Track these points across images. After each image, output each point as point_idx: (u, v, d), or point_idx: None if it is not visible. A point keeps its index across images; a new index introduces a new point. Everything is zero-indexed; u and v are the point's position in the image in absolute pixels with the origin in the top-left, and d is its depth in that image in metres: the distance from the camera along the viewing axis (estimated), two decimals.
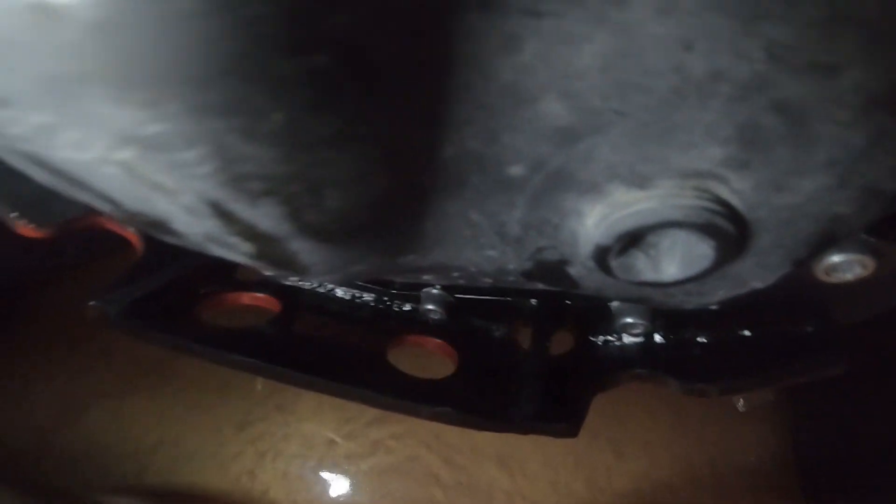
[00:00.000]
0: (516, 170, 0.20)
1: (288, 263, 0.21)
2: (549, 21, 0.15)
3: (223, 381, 0.80)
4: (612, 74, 0.17)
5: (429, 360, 0.38)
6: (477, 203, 0.21)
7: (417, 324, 0.37)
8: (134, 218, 0.21)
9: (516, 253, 0.24)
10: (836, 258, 0.25)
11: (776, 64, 0.16)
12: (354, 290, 0.39)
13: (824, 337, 0.31)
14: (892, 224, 0.23)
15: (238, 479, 0.77)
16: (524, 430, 0.30)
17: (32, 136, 0.17)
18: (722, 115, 0.17)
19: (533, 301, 0.34)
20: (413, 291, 0.37)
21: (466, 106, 0.17)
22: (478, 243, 0.24)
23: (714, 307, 0.28)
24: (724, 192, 0.19)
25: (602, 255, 0.21)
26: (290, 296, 0.37)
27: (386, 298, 0.38)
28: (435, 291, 0.37)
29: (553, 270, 0.24)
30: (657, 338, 0.33)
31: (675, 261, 0.21)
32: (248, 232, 0.20)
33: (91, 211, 0.36)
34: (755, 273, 0.22)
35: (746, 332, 0.33)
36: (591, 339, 0.34)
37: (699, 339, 0.33)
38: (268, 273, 0.36)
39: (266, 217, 0.19)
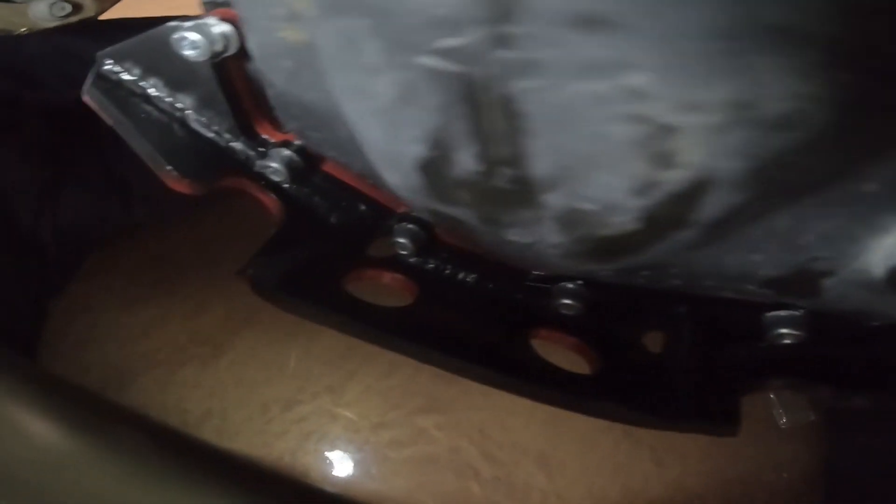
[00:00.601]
0: (870, 187, 0.20)
1: (627, 254, 0.21)
2: None
3: (275, 357, 0.79)
4: None
5: (550, 354, 0.38)
6: (800, 213, 0.21)
7: (551, 317, 0.37)
8: (498, 183, 0.20)
9: (783, 261, 0.24)
10: None
11: None
12: (483, 277, 0.38)
13: None
14: None
15: (280, 458, 0.77)
16: (690, 428, 0.30)
17: (561, 70, 0.16)
18: None
19: (682, 306, 0.34)
20: (547, 284, 0.37)
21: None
22: (754, 247, 0.23)
23: None
24: None
25: None
26: (423, 277, 0.37)
27: (516, 288, 0.38)
28: (571, 286, 0.36)
29: (807, 281, 0.24)
30: (804, 346, 0.33)
31: None
32: (669, 218, 0.20)
33: (234, 171, 0.35)
34: None
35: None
36: (736, 343, 0.34)
37: (848, 350, 0.33)
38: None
39: (730, 203, 0.18)
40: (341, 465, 0.76)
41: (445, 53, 0.19)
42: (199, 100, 0.32)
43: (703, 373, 0.32)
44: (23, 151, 0.56)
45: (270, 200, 0.36)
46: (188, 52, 0.27)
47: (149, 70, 0.31)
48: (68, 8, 0.42)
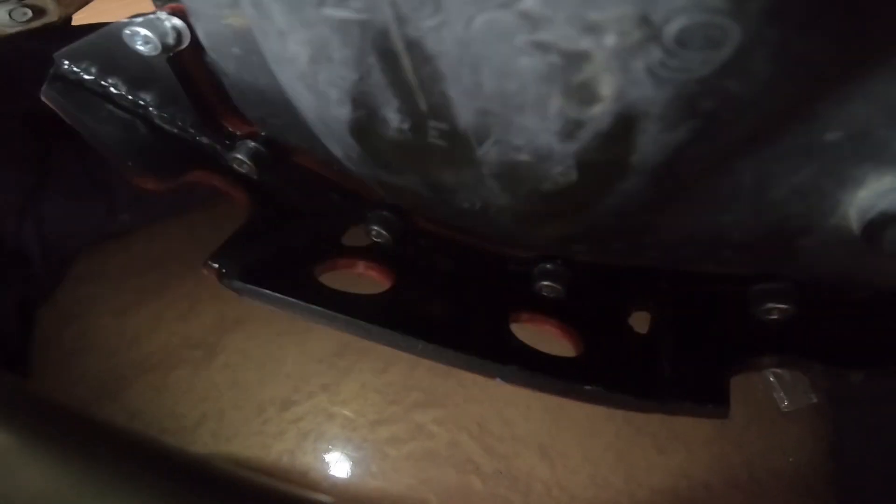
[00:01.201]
0: (833, 136, 0.19)
1: (560, 220, 0.21)
2: None
3: (268, 358, 0.79)
4: None
5: (531, 337, 0.37)
6: (764, 166, 0.20)
7: (533, 300, 0.36)
8: (421, 138, 0.20)
9: (757, 220, 0.23)
10: None
11: None
12: (465, 264, 0.37)
13: None
14: None
15: (279, 458, 0.77)
16: (678, 410, 0.29)
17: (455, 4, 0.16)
18: None
19: (663, 282, 0.33)
20: (528, 266, 0.36)
21: (842, 72, 0.16)
22: (724, 207, 0.22)
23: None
24: None
25: (880, 225, 0.20)
26: (400, 265, 0.36)
27: (498, 273, 0.37)
28: (550, 266, 0.36)
29: (782, 241, 0.23)
30: (793, 321, 0.32)
31: None
32: (607, 162, 0.19)
33: (200, 165, 0.35)
34: None
35: (886, 318, 0.32)
36: (724, 320, 0.33)
37: (837, 324, 0.32)
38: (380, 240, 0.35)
39: (661, 145, 0.18)
40: (340, 463, 0.76)
41: (343, 2, 0.19)
42: (160, 95, 0.32)
43: (691, 353, 0.31)
44: (2, 159, 0.56)
45: (238, 193, 0.35)
46: (141, 48, 0.27)
47: (106, 68, 0.31)
48: (29, 13, 0.41)
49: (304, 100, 0.24)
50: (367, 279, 0.36)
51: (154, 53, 0.28)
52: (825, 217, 0.22)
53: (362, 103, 0.22)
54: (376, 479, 0.77)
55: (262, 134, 0.33)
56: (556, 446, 0.81)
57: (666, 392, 0.29)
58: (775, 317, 0.31)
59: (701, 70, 0.17)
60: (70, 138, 0.61)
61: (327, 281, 0.35)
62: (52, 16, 0.46)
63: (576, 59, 0.17)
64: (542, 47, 0.17)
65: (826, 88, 0.18)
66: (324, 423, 0.78)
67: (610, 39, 0.16)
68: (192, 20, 0.26)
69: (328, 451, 0.76)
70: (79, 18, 0.55)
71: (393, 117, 0.21)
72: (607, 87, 0.18)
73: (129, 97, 0.32)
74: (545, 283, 0.35)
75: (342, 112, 0.23)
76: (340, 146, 0.25)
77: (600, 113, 0.19)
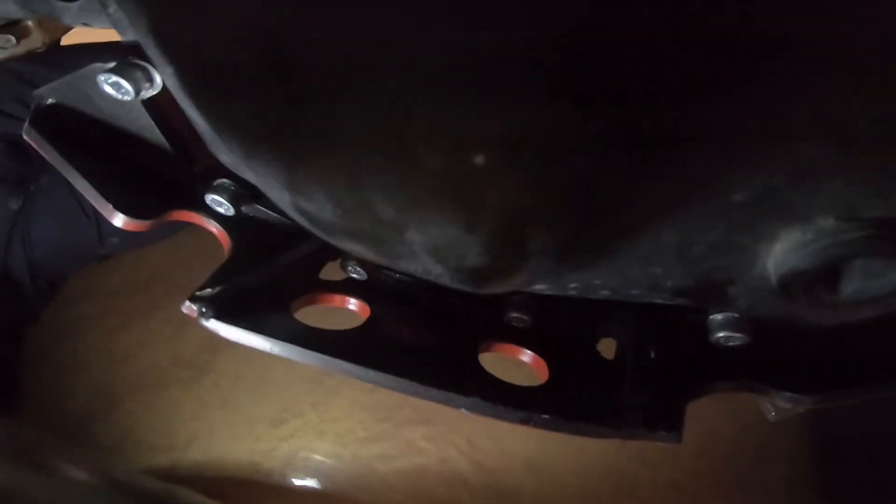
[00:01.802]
0: (740, 197, 0.20)
1: (501, 279, 0.22)
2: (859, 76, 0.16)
3: (258, 377, 0.79)
4: (885, 127, 0.17)
5: (503, 366, 0.38)
6: (679, 225, 0.21)
7: (502, 330, 0.37)
8: (366, 227, 0.21)
9: (684, 272, 0.24)
10: None
11: None
12: (437, 295, 0.38)
13: None
14: None
15: (270, 475, 0.78)
16: (634, 437, 0.30)
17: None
18: None
19: (628, 312, 0.34)
20: (497, 297, 0.37)
21: (742, 139, 0.17)
22: (650, 261, 0.24)
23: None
24: None
25: (793, 279, 0.21)
26: (376, 298, 0.37)
27: (469, 303, 0.38)
28: (519, 298, 0.37)
29: (712, 289, 0.24)
30: (748, 348, 0.33)
31: (854, 284, 0.21)
32: (514, 249, 0.20)
33: (179, 204, 0.36)
34: None
35: (837, 343, 0.33)
36: (682, 347, 0.34)
37: (791, 350, 0.33)
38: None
39: (556, 233, 0.19)
40: (331, 480, 0.76)
41: None
42: (138, 136, 0.33)
43: (649, 378, 0.32)
44: None
45: (218, 231, 0.36)
46: (113, 93, 0.28)
47: (84, 108, 0.32)
48: (13, 40, 0.42)
49: (256, 176, 0.25)
50: (344, 312, 0.37)
51: (127, 98, 0.29)
52: (747, 269, 0.23)
53: (297, 192, 0.23)
54: (366, 495, 0.77)
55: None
56: (543, 461, 0.82)
57: (622, 418, 0.30)
58: (732, 344, 0.32)
59: (569, 176, 0.18)
60: None
61: (305, 315, 0.36)
62: (36, 42, 0.47)
63: (462, 172, 0.19)
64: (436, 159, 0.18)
65: (708, 162, 0.19)
66: (314, 441, 0.78)
67: (484, 157, 0.18)
68: (155, 64, 0.27)
69: (318, 467, 0.77)
70: (73, 37, 0.55)
71: (325, 205, 0.23)
72: (491, 195, 0.19)
73: (107, 137, 0.33)
74: (514, 314, 0.36)
75: (281, 196, 0.24)
76: (293, 216, 0.26)
77: (490, 215, 0.20)
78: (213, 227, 0.35)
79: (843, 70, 0.16)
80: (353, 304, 0.36)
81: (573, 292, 0.29)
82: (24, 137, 0.33)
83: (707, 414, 0.80)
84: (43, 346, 0.74)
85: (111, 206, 0.32)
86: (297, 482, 0.78)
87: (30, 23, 0.47)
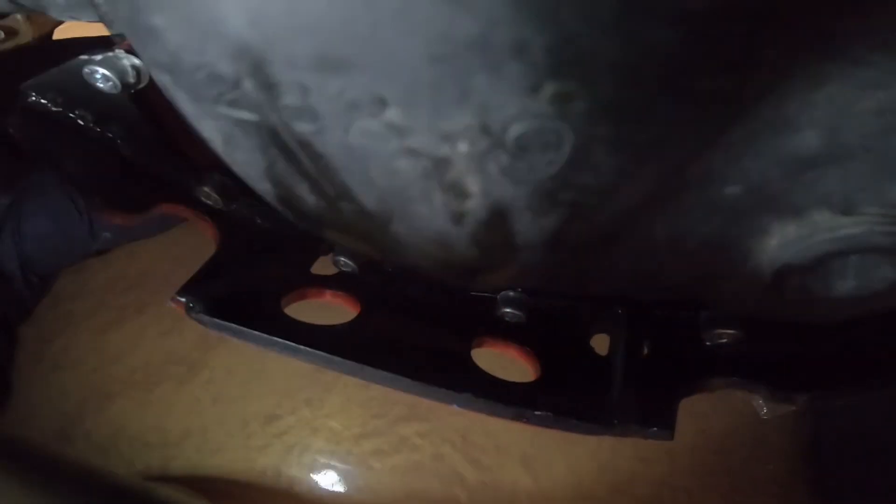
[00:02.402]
0: (732, 190, 0.20)
1: (480, 272, 0.22)
2: (863, 69, 0.16)
3: (252, 373, 0.79)
4: (883, 118, 0.17)
5: (497, 362, 0.38)
6: (672, 219, 0.21)
7: (495, 325, 0.36)
8: (341, 216, 0.21)
9: (676, 266, 0.24)
10: None
11: None
12: (429, 289, 0.38)
13: None
14: None
15: (264, 472, 0.77)
16: (626, 434, 0.30)
17: (331, 112, 0.17)
18: None
19: (619, 308, 0.34)
20: (490, 294, 0.37)
21: (734, 128, 0.17)
22: (641, 254, 0.23)
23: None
24: None
25: (785, 274, 0.21)
26: (367, 293, 0.37)
27: (461, 299, 0.38)
28: (513, 294, 0.36)
29: (705, 284, 0.24)
30: (740, 345, 0.33)
31: (849, 281, 0.21)
32: (497, 241, 0.20)
33: (168, 198, 0.35)
34: None
35: (828, 342, 0.33)
36: (674, 344, 0.34)
37: (782, 348, 0.33)
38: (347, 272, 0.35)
39: (539, 228, 0.19)
40: (325, 477, 0.76)
41: (234, 104, 0.20)
42: (127, 129, 0.32)
43: (642, 375, 0.32)
44: None
45: (207, 224, 0.35)
46: (101, 86, 0.27)
47: (73, 101, 0.31)
48: (1, 34, 0.42)
49: (236, 168, 0.25)
50: (336, 307, 0.37)
51: (115, 91, 0.28)
52: (740, 265, 0.23)
53: (278, 183, 0.23)
54: (361, 492, 0.77)
55: None
56: (539, 457, 0.81)
57: (614, 415, 0.30)
58: (724, 341, 0.32)
59: (548, 170, 0.18)
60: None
61: (297, 310, 0.35)
62: (25, 36, 0.47)
63: (442, 163, 0.19)
64: (413, 152, 0.19)
65: (702, 154, 0.19)
66: (308, 437, 0.78)
67: (463, 146, 0.18)
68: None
69: (312, 464, 0.77)
70: (67, 28, 0.55)
71: (308, 196, 0.22)
72: (473, 186, 0.19)
73: (97, 130, 0.33)
74: (507, 309, 0.36)
75: (265, 187, 0.24)
76: (280, 209, 0.26)
77: (475, 206, 0.20)
78: (202, 220, 0.35)
79: (841, 59, 0.16)
80: (344, 298, 0.36)
81: (565, 287, 0.29)
82: (10, 131, 0.32)
83: (701, 411, 0.80)
84: (35, 344, 0.73)
85: (97, 198, 0.32)
86: (291, 479, 0.78)
87: (19, 17, 0.47)
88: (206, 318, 0.31)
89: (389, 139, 0.18)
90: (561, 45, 0.15)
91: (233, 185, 0.34)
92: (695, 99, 0.17)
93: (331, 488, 0.77)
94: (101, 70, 0.26)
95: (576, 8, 0.14)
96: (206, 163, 0.34)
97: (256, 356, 0.79)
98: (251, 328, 0.31)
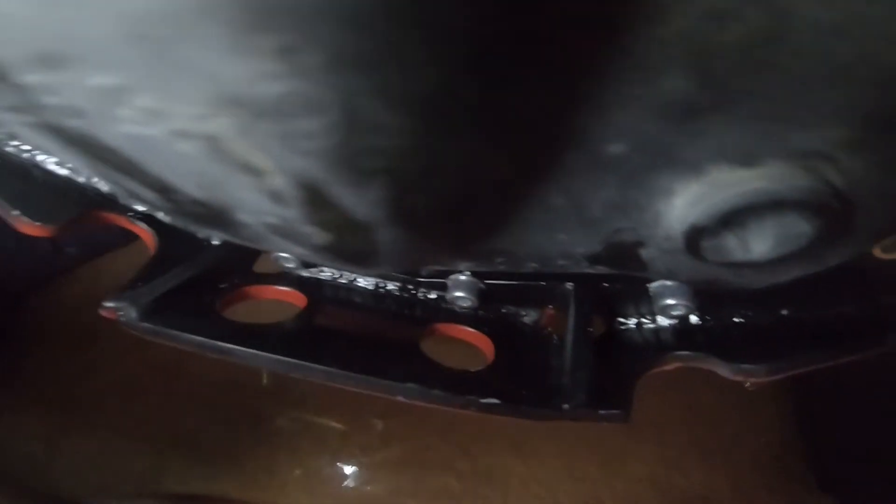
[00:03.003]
0: (616, 148, 0.19)
1: (360, 256, 0.20)
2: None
3: (233, 378, 0.79)
4: (754, 54, 0.16)
5: (454, 350, 0.37)
6: (563, 185, 0.20)
7: (447, 312, 0.36)
8: (185, 208, 0.20)
9: (589, 236, 0.23)
10: None
11: None
12: (378, 280, 0.37)
13: (865, 316, 0.30)
14: None
15: (255, 475, 0.77)
16: (577, 417, 0.29)
17: (88, 106, 0.16)
18: (859, 97, 0.16)
19: (568, 285, 0.33)
20: (439, 279, 0.36)
21: (587, 80, 0.16)
22: (551, 227, 0.22)
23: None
24: (831, 172, 0.18)
25: (696, 236, 0.20)
26: (313, 289, 0.36)
27: (411, 287, 0.37)
28: (463, 278, 0.36)
29: (625, 253, 0.23)
30: (694, 319, 0.32)
31: (766, 240, 0.20)
32: (335, 220, 0.18)
33: (98, 206, 0.35)
34: (836, 251, 0.22)
35: (785, 312, 0.32)
36: (627, 321, 0.33)
37: (738, 320, 0.32)
38: (304, 266, 0.34)
39: (366, 201, 0.17)
40: (316, 474, 0.76)
41: (16, 110, 0.18)
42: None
43: (595, 355, 0.31)
44: None
45: (142, 231, 0.35)
46: None
47: None
48: None
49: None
50: (282, 304, 0.36)
51: None
52: (652, 229, 0.22)
53: (113, 181, 0.21)
54: (353, 487, 0.77)
55: None
56: (528, 441, 0.81)
57: (565, 399, 0.29)
58: (677, 313, 0.32)
59: (330, 136, 0.16)
60: None
61: (241, 310, 0.35)
62: None
63: (214, 141, 0.17)
64: (184, 134, 0.17)
65: (531, 108, 0.17)
66: (294, 438, 0.78)
67: (222, 121, 0.16)
68: None
69: (303, 462, 0.76)
70: None
71: (144, 192, 0.21)
72: (262, 161, 0.17)
73: (15, 141, 0.32)
74: (458, 293, 0.35)
75: (109, 188, 0.22)
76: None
77: (280, 184, 0.18)
78: (136, 227, 0.34)
79: None
80: (289, 294, 0.35)
81: (501, 267, 0.28)
82: None
83: (690, 385, 0.80)
84: (9, 361, 0.73)
85: (17, 212, 0.31)
86: (282, 478, 0.78)
87: None
88: (140, 324, 0.30)
89: (154, 124, 0.17)
90: None
91: None
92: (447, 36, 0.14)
93: (322, 486, 0.77)
94: None
95: None
96: None
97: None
98: (188, 332, 0.30)
